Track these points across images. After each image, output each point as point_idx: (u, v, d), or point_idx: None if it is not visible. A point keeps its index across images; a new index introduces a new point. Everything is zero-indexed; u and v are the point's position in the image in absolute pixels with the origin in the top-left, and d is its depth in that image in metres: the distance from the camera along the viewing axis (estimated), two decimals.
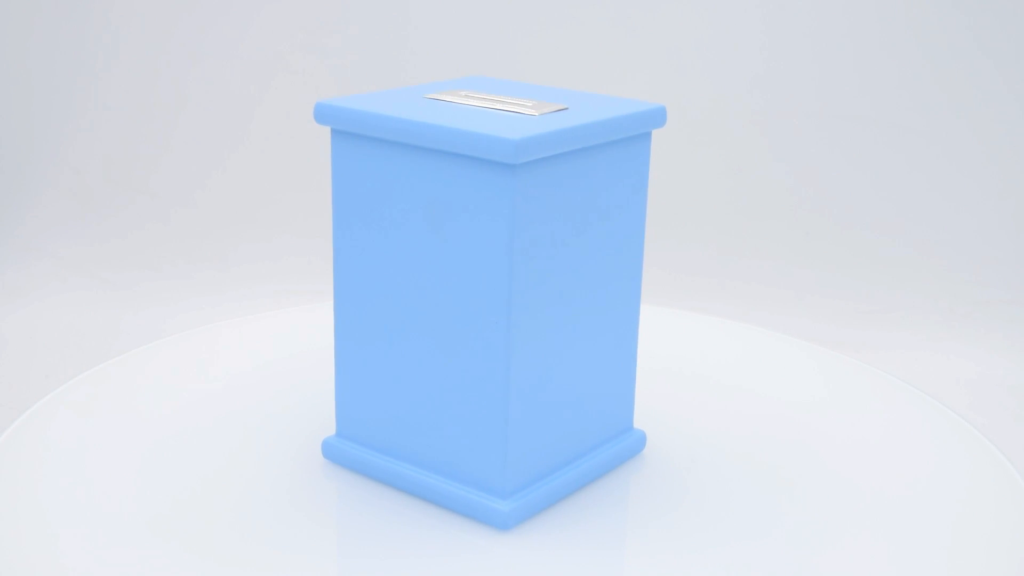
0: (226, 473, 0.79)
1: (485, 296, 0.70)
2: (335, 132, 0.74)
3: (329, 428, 0.85)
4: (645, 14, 1.98)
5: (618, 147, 0.74)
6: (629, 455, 0.82)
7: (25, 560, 0.69)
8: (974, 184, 1.97)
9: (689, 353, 1.01)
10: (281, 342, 1.01)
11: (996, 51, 1.94)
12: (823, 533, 0.74)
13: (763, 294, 1.96)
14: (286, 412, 0.88)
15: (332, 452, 0.80)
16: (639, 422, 0.87)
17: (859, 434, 0.87)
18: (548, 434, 0.75)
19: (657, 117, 0.75)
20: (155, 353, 0.98)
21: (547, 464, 0.75)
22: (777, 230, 1.99)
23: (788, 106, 1.99)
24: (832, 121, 1.99)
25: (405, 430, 0.76)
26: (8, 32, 2.03)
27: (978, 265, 1.97)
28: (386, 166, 0.72)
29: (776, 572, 0.70)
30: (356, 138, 0.73)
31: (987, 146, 1.96)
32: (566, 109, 0.73)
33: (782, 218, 2.00)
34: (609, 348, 0.78)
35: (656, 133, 1.79)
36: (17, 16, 2.02)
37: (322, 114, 0.73)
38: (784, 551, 0.72)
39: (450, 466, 0.74)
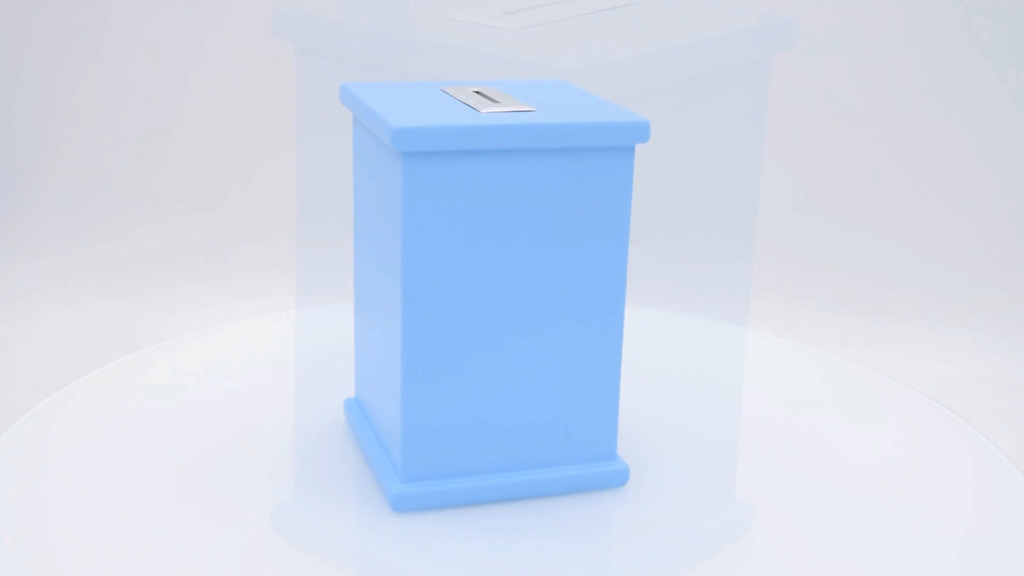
0: (225, 468, 0.79)
1: (393, 278, 0.72)
2: (354, 115, 0.78)
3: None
4: (644, 11, 1.98)
5: (587, 156, 0.71)
6: (601, 484, 0.77)
7: (25, 560, 0.69)
8: (974, 184, 1.97)
9: (686, 354, 1.01)
10: (283, 343, 1.01)
11: (995, 51, 1.94)
12: (823, 534, 0.74)
13: (762, 294, 1.96)
14: (290, 406, 0.88)
15: (349, 413, 0.84)
16: (633, 422, 0.87)
17: (859, 436, 0.87)
18: (470, 434, 0.74)
19: (638, 132, 0.72)
20: (155, 355, 0.98)
21: (474, 465, 0.75)
22: (777, 230, 2.00)
23: (788, 106, 1.99)
24: (832, 121, 1.99)
25: (373, 400, 0.80)
26: (8, 32, 2.03)
27: (978, 265, 1.97)
28: (368, 147, 0.76)
29: (776, 573, 0.70)
30: (356, 120, 0.78)
31: (986, 146, 1.96)
32: (531, 111, 0.72)
33: (782, 218, 2.00)
34: (572, 367, 0.75)
35: None
36: (17, 16, 2.02)
37: (343, 96, 0.79)
38: (783, 552, 0.72)
39: (387, 442, 0.77)
